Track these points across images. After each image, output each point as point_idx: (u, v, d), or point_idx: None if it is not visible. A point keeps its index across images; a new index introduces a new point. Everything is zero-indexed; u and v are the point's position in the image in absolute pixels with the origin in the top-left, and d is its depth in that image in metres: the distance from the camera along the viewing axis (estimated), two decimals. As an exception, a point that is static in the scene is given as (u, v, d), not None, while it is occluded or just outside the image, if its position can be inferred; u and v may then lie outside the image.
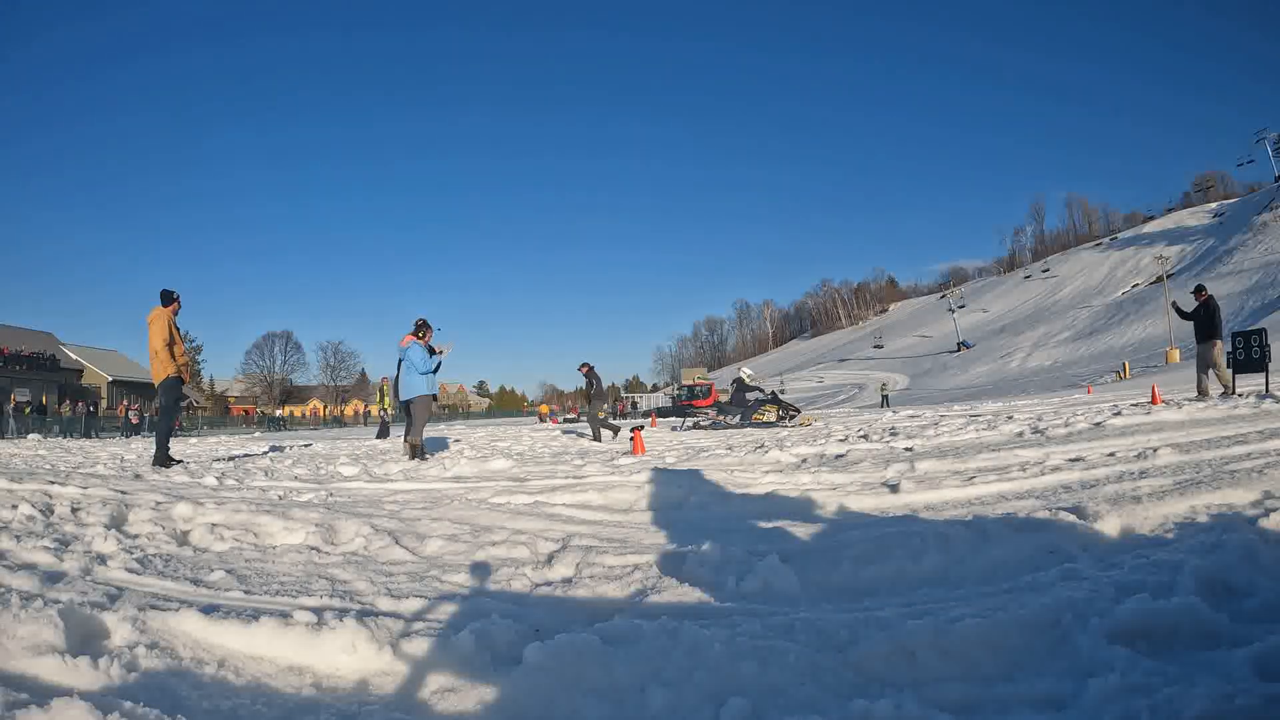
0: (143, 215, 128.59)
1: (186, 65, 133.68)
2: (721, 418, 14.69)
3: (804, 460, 6.16)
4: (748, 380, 14.83)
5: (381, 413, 18.62)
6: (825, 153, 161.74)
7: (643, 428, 13.88)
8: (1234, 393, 10.23)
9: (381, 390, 19.68)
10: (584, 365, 13.30)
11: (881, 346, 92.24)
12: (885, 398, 43.49)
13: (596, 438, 12.20)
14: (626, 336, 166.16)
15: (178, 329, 7.86)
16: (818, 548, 2.74)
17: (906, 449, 6.40)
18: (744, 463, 6.11)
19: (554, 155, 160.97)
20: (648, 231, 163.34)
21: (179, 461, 7.68)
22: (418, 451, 8.01)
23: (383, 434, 16.43)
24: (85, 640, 1.80)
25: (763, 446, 7.40)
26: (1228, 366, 11.08)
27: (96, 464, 7.97)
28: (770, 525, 3.27)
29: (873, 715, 1.36)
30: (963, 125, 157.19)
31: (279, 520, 3.58)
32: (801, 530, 3.08)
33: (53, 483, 5.01)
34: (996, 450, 5.58)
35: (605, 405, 13.63)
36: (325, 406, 73.17)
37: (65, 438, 24.52)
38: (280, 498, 4.66)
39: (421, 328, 8.40)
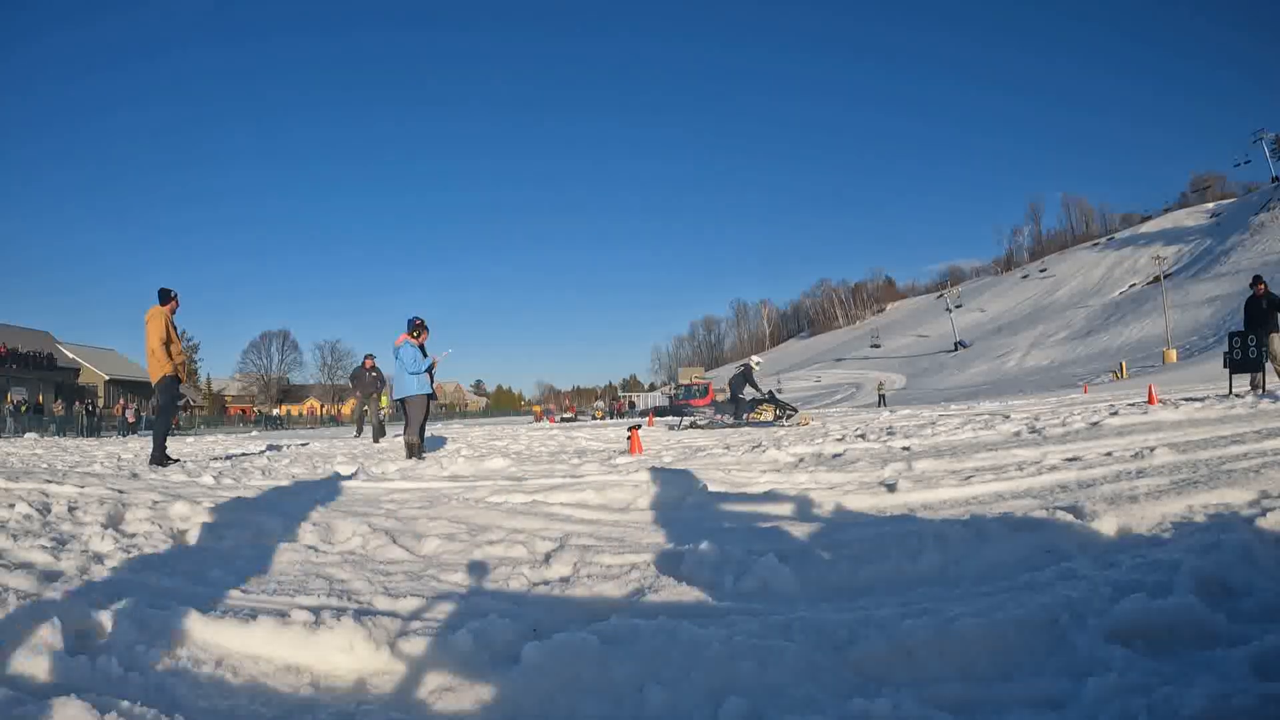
0: (140, 214, 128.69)
1: (184, 65, 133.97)
2: (719, 417, 14.69)
3: (801, 459, 6.17)
4: (755, 366, 14.82)
5: (379, 412, 18.60)
6: (822, 152, 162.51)
7: (640, 427, 13.88)
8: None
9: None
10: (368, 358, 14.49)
11: (879, 346, 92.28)
12: (882, 397, 43.47)
13: (376, 436, 12.89)
14: (624, 336, 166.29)
15: (175, 328, 7.84)
16: (815, 547, 2.74)
17: (904, 448, 6.40)
18: (741, 462, 6.11)
19: (552, 155, 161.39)
20: (645, 231, 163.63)
21: (176, 460, 7.66)
22: (414, 450, 8.00)
23: (380, 434, 16.38)
24: (83, 639, 1.80)
25: (760, 446, 7.41)
26: (1224, 366, 11.10)
27: (93, 463, 7.94)
28: (768, 524, 3.27)
29: (871, 714, 1.36)
30: (960, 125, 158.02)
31: (277, 519, 3.57)
32: (799, 529, 3.08)
33: (50, 481, 4.99)
34: (994, 450, 5.59)
35: (376, 401, 14.09)
36: (322, 406, 73.06)
37: (62, 436, 24.45)
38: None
39: (416, 328, 8.39)
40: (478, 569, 2.68)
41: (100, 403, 42.39)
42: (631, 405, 58.11)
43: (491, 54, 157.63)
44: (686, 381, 49.56)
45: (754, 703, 1.44)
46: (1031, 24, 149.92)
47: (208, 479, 5.52)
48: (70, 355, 49.40)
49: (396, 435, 14.05)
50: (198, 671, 1.70)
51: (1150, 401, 10.31)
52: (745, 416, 13.92)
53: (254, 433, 29.01)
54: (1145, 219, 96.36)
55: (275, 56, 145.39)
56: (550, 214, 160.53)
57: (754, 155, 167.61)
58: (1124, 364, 41.78)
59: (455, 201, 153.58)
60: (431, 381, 8.44)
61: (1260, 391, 10.00)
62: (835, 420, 14.51)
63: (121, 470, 6.68)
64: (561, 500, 4.21)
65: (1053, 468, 4.32)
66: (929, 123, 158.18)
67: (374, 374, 14.23)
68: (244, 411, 59.56)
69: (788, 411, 13.93)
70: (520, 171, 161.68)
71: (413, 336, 8.34)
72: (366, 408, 14.15)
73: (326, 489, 5.01)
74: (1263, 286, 11.01)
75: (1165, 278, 58.40)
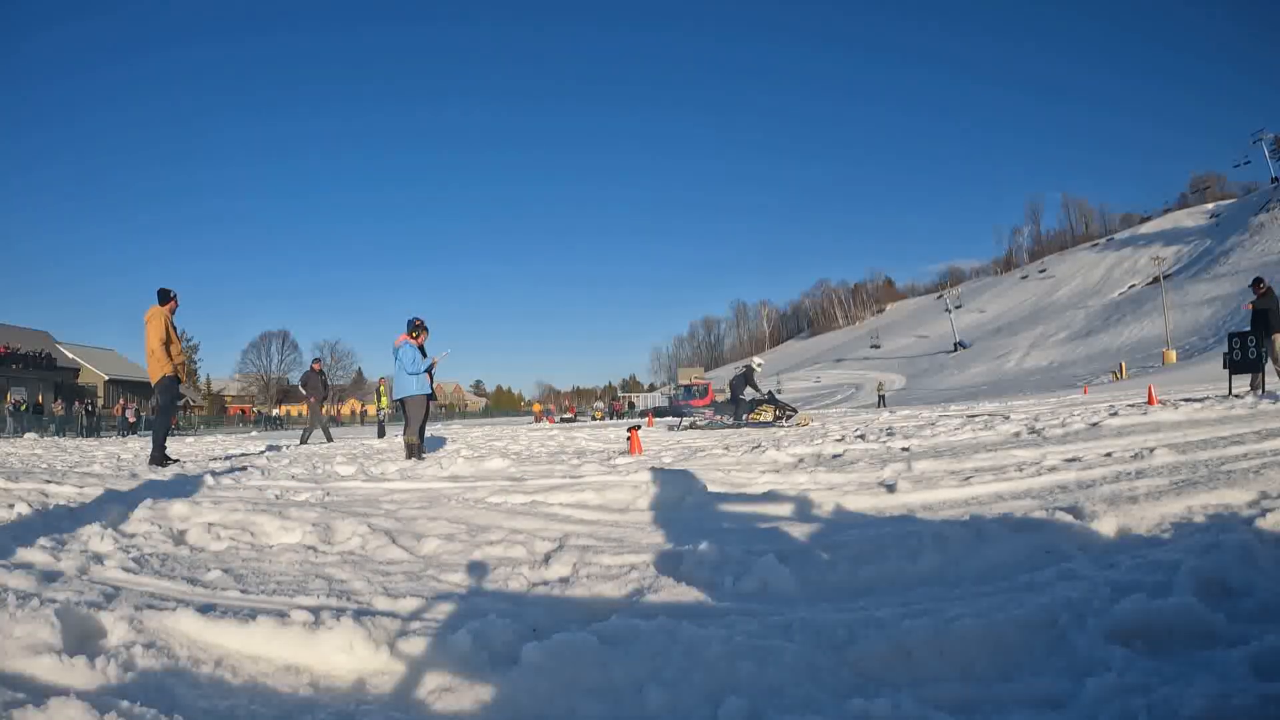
0: (139, 213, 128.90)
1: (182, 61, 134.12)
2: (719, 417, 14.69)
3: (801, 460, 6.16)
4: (756, 368, 14.85)
5: (379, 412, 18.67)
6: (822, 152, 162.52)
7: (639, 427, 13.88)
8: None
9: (379, 390, 19.73)
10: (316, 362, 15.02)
11: (879, 346, 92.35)
12: (882, 398, 43.50)
13: (305, 437, 13.36)
14: (624, 336, 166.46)
15: (175, 328, 7.84)
16: (815, 547, 2.74)
17: (903, 449, 6.40)
18: (741, 462, 6.11)
19: (550, 152, 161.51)
20: (645, 230, 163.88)
21: (175, 461, 7.66)
22: (414, 450, 8.00)
23: (380, 433, 16.44)
24: (82, 640, 1.80)
25: (760, 446, 7.41)
26: (1224, 367, 11.10)
27: (93, 463, 7.94)
28: (767, 525, 3.27)
29: (870, 714, 1.36)
30: (960, 124, 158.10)
31: (276, 519, 3.57)
32: (798, 530, 3.09)
33: (49, 482, 5.00)
34: (993, 450, 5.59)
35: (311, 402, 14.28)
36: (322, 406, 73.01)
37: (61, 437, 24.45)
38: (277, 497, 4.65)
39: (416, 328, 8.38)
40: (477, 569, 2.68)
41: (100, 403, 42.37)
42: (631, 406, 58.06)
43: (491, 50, 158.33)
44: (686, 382, 49.55)
45: (753, 703, 1.43)
46: (1031, 23, 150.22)
47: (207, 479, 5.51)
48: (70, 355, 49.37)
49: (396, 435, 14.08)
50: (197, 672, 1.70)
51: (1150, 402, 10.32)
52: (745, 417, 13.93)
53: (253, 433, 29.00)
54: (1145, 219, 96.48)
55: (274, 53, 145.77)
56: (550, 213, 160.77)
57: (754, 154, 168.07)
58: (1124, 364, 41.83)
59: (455, 198, 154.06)
60: (431, 382, 8.43)
61: (1260, 392, 10.01)
62: (835, 421, 14.51)
63: (121, 470, 6.68)
64: (561, 501, 4.21)
65: (1052, 468, 4.32)
66: (928, 122, 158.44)
67: (322, 377, 14.52)
68: (243, 412, 59.55)
69: (787, 412, 13.93)
70: (519, 171, 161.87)
71: (412, 337, 8.33)
72: (323, 409, 14.30)
73: (326, 489, 5.01)
74: (1263, 286, 10.95)
75: (1165, 278, 58.40)
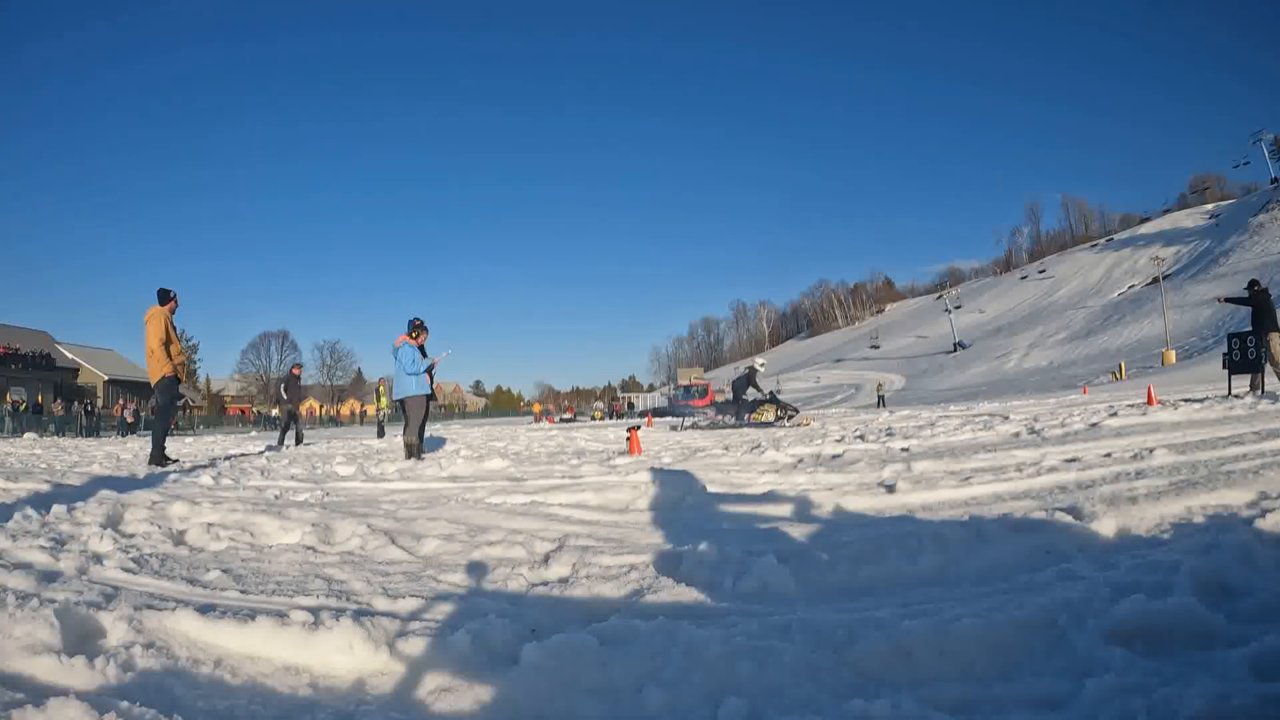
0: (139, 213, 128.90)
1: (182, 62, 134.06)
2: (719, 417, 14.70)
3: (800, 460, 6.16)
4: (759, 369, 14.89)
5: (379, 412, 18.71)
6: (822, 153, 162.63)
7: (639, 427, 13.88)
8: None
9: (378, 390, 19.77)
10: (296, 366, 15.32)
11: (878, 347, 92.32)
12: (881, 398, 43.52)
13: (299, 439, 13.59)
14: (623, 336, 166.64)
15: (174, 328, 7.85)
16: (814, 548, 2.74)
17: (903, 449, 6.40)
18: (741, 463, 6.11)
19: (550, 153, 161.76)
20: (644, 231, 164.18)
21: (175, 461, 7.66)
22: (414, 451, 8.00)
23: (379, 434, 16.46)
24: (81, 640, 1.80)
25: (759, 447, 7.41)
26: (1224, 367, 11.11)
27: (92, 463, 7.95)
28: (767, 525, 3.27)
29: (870, 715, 1.36)
30: (960, 125, 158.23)
31: (275, 520, 3.57)
32: (798, 530, 3.08)
33: (48, 482, 4.99)
34: (993, 451, 5.59)
35: (289, 407, 14.28)
36: (321, 406, 72.99)
37: (61, 437, 24.44)
38: (276, 497, 4.65)
39: (416, 329, 8.38)
40: (476, 569, 2.68)
41: (99, 403, 42.35)
42: (630, 406, 58.03)
43: (488, 50, 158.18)
44: (685, 382, 49.53)
45: (753, 703, 1.43)
46: (1031, 25, 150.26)
47: (206, 479, 5.52)
48: (69, 355, 49.34)
49: (396, 436, 14.07)
50: (196, 672, 1.70)
51: (1149, 402, 10.32)
52: (746, 417, 13.93)
53: (253, 433, 28.98)
54: (1144, 220, 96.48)
55: (275, 54, 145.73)
56: (550, 214, 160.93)
57: (753, 155, 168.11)
58: (1123, 365, 41.79)
59: (454, 199, 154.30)
60: (431, 382, 8.44)
61: (1259, 392, 10.02)
62: (834, 421, 14.51)
63: (120, 470, 6.67)
64: (560, 501, 4.21)
65: (1052, 469, 4.32)
66: (929, 123, 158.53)
67: (298, 381, 14.82)
68: (243, 412, 59.51)
69: (789, 412, 13.94)
70: (519, 171, 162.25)
71: (412, 337, 8.33)
72: (297, 413, 14.30)
73: (325, 489, 5.01)
74: (1258, 287, 11.00)
75: (1164, 279, 58.40)
